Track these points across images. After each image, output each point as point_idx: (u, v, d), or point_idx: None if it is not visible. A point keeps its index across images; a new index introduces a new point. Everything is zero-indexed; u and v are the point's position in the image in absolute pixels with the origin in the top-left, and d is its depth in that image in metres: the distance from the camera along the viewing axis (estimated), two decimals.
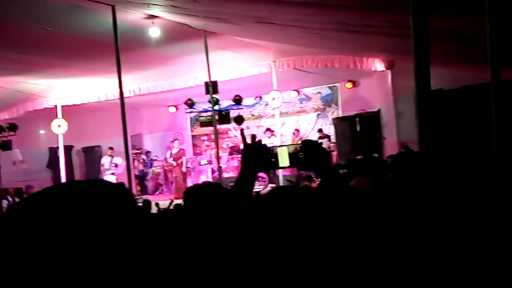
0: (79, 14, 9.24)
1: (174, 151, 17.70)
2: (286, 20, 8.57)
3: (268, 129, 17.51)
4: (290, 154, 2.19)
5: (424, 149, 3.61)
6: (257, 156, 2.29)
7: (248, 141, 2.24)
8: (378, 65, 13.20)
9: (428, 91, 3.62)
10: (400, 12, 6.20)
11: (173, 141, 18.51)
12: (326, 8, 7.03)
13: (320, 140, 17.01)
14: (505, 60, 5.78)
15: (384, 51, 12.04)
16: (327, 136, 17.17)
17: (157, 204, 10.96)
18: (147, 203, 9.63)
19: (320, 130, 17.70)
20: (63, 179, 16.50)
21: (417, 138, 10.80)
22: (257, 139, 2.27)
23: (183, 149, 17.76)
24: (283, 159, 2.21)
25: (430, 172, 3.59)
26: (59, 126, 16.35)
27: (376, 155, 13.86)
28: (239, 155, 14.41)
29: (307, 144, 2.21)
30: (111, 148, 17.57)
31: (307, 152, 2.20)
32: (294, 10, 7.47)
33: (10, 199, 14.91)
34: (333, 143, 17.06)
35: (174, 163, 17.75)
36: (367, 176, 7.96)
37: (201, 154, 19.37)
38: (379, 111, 15.83)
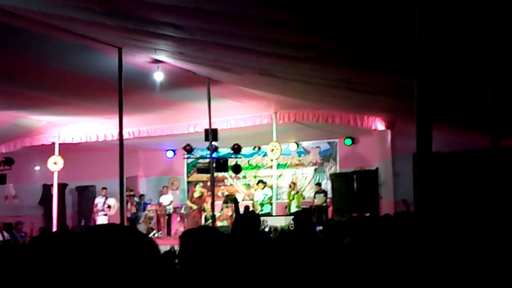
0: (85, 54, 9.30)
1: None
2: (289, 73, 8.63)
3: (260, 181, 17.43)
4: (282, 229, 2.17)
5: (422, 211, 3.55)
6: (247, 227, 2.27)
7: (241, 211, 2.24)
8: (379, 124, 13.23)
9: (430, 153, 3.59)
10: (403, 74, 6.26)
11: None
12: (329, 65, 7.08)
13: (316, 195, 16.96)
14: (505, 128, 5.81)
15: (385, 110, 12.11)
16: (324, 192, 17.09)
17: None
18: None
19: (318, 184, 17.63)
20: (55, 217, 16.31)
21: (413, 199, 10.75)
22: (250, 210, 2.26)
23: (204, 196, 17.63)
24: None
25: (426, 234, 3.55)
26: (55, 163, 16.28)
27: (368, 214, 13.74)
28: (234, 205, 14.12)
29: (298, 216, 2.20)
30: (104, 189, 17.44)
31: (297, 224, 2.19)
32: (298, 65, 7.52)
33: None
34: (330, 198, 16.97)
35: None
36: (359, 235, 7.89)
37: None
38: (377, 169, 15.80)
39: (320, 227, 14.67)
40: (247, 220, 2.10)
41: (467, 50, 5.04)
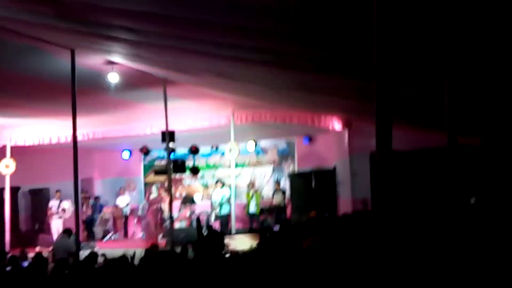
0: (37, 56, 9.05)
1: (152, 196, 17.33)
2: (245, 76, 8.58)
3: (218, 181, 17.37)
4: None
5: (382, 209, 3.55)
6: (211, 246, 2.23)
7: (204, 231, 2.21)
8: (336, 124, 13.32)
9: (390, 151, 3.59)
10: (360, 77, 6.29)
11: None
12: (286, 69, 7.06)
13: (275, 194, 16.98)
14: (461, 127, 5.89)
15: (342, 110, 12.18)
16: (283, 191, 17.13)
17: (103, 255, 10.62)
18: (94, 255, 9.30)
19: (277, 183, 17.64)
20: (7, 221, 15.87)
21: (370, 197, 10.88)
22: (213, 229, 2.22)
23: (161, 197, 17.36)
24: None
25: (385, 233, 3.55)
26: (7, 166, 15.85)
27: (327, 214, 13.83)
28: (192, 205, 14.12)
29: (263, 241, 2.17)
30: (58, 191, 17.06)
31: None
32: (254, 68, 7.48)
33: None
34: (288, 197, 17.01)
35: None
36: (317, 236, 7.91)
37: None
38: (334, 168, 15.91)
39: (277, 227, 14.77)
40: (211, 241, 2.05)
41: (423, 49, 5.07)
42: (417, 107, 8.52)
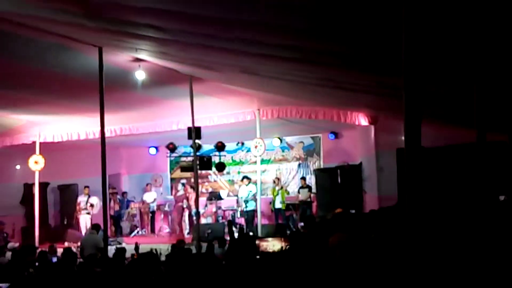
0: (66, 53, 9.18)
1: (179, 193, 17.44)
2: (271, 72, 8.57)
3: (245, 177, 17.39)
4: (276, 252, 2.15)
5: (410, 207, 3.53)
6: (242, 250, 2.25)
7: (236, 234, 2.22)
8: (362, 120, 13.24)
9: (418, 148, 3.57)
10: (387, 74, 6.24)
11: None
12: (312, 65, 7.04)
13: (301, 190, 16.96)
14: (490, 123, 5.83)
15: (368, 106, 12.10)
16: (309, 187, 17.08)
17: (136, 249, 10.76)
18: (122, 250, 9.42)
19: (303, 179, 17.61)
20: (37, 216, 16.13)
21: (397, 194, 10.79)
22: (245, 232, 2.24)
23: (187, 193, 17.46)
24: None
25: (413, 230, 3.53)
26: (36, 162, 16.10)
27: (354, 211, 13.80)
28: (218, 201, 14.25)
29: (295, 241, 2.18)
30: (87, 187, 17.29)
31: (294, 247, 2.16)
32: (280, 64, 7.47)
33: None
34: (314, 193, 16.97)
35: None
36: (345, 232, 7.89)
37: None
38: (360, 164, 15.83)
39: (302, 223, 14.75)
40: (243, 244, 2.07)
41: (453, 46, 5.02)
42: (446, 104, 8.43)
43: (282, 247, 1.98)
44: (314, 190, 17.06)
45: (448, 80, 6.40)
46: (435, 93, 7.00)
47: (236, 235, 13.14)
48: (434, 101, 7.73)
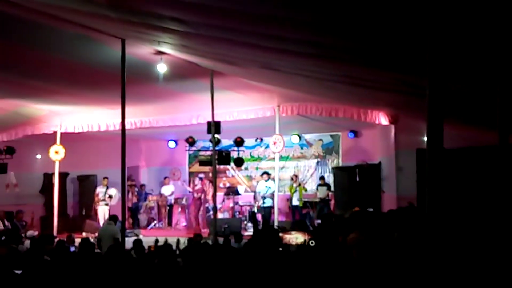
0: (89, 44, 9.23)
1: (197, 187, 17.47)
2: (292, 68, 8.55)
3: (265, 173, 17.38)
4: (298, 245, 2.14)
5: (430, 208, 3.49)
6: (265, 242, 2.24)
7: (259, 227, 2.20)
8: (382, 119, 13.14)
9: (441, 148, 3.53)
10: (408, 72, 6.19)
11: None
12: (333, 62, 7.00)
13: (319, 187, 16.91)
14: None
15: (389, 105, 12.01)
16: (327, 185, 17.02)
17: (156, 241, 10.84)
18: (139, 242, 9.48)
19: (322, 178, 17.56)
20: (56, 206, 16.29)
21: (416, 194, 10.69)
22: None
23: (202, 188, 17.49)
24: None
25: (435, 231, 3.49)
26: (57, 152, 16.25)
27: (371, 209, 13.73)
28: (236, 196, 14.26)
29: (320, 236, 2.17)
30: (106, 178, 17.42)
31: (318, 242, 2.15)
32: (301, 60, 7.44)
33: (0, 222, 14.66)
34: (332, 191, 16.92)
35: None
36: (364, 230, 7.85)
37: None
38: (379, 163, 15.74)
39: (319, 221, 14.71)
40: (266, 236, 2.06)
41: (478, 47, 4.96)
42: (468, 105, 8.34)
43: (305, 240, 1.97)
44: (332, 188, 17.00)
45: (471, 80, 6.32)
46: (458, 93, 6.92)
47: (260, 227, 13.17)
48: (457, 102, 7.65)
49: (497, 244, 5.02)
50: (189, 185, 18.89)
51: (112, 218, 12.85)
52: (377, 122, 13.49)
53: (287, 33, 5.86)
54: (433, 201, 3.41)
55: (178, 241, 11.17)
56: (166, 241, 10.96)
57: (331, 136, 18.61)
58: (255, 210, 17.35)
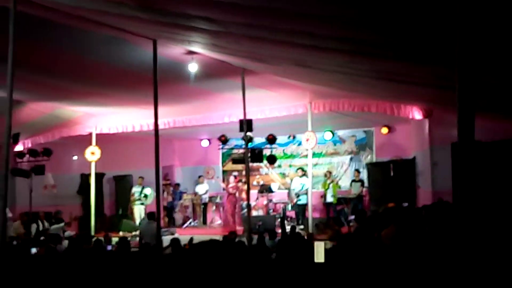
0: (121, 46, 9.38)
1: (231, 185, 17.56)
2: (323, 64, 8.52)
3: (300, 169, 17.34)
4: (326, 250, 2.15)
5: (462, 203, 3.45)
6: (292, 247, 2.27)
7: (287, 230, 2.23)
8: (416, 113, 12.99)
9: (472, 143, 3.48)
10: (441, 65, 6.11)
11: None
12: (365, 57, 6.96)
13: (353, 183, 16.81)
14: None
15: (422, 99, 11.88)
16: (361, 181, 16.91)
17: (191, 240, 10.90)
18: (176, 241, 9.58)
19: (357, 171, 17.44)
20: (93, 206, 16.57)
21: (452, 189, 10.58)
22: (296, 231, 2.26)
23: (236, 185, 17.54)
24: (319, 255, 2.19)
25: (465, 226, 3.45)
26: (93, 153, 16.53)
27: (406, 204, 13.60)
28: (269, 194, 14.28)
29: (344, 241, 2.18)
30: (141, 178, 17.65)
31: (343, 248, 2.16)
32: (332, 57, 7.41)
33: (40, 223, 14.96)
34: (366, 187, 16.80)
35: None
36: (399, 225, 7.81)
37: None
38: (414, 158, 15.57)
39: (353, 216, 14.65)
40: (292, 242, 2.09)
41: (508, 36, 4.87)
42: (500, 97, 8.20)
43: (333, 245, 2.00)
44: (366, 184, 16.88)
45: (504, 71, 6.22)
46: (490, 85, 6.81)
47: (288, 229, 13.19)
48: (490, 94, 7.53)
49: None
50: (223, 183, 18.99)
51: (151, 216, 12.99)
52: (410, 116, 13.34)
53: (318, 30, 5.85)
54: (464, 195, 3.36)
55: (191, 239, 10.98)
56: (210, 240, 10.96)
57: (365, 131, 18.47)
58: (289, 208, 17.35)
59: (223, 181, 19.47)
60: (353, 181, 17.16)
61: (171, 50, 9.79)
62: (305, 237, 11.29)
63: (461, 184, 3.35)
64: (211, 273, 2.10)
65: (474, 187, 3.41)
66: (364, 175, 17.44)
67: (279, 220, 16.68)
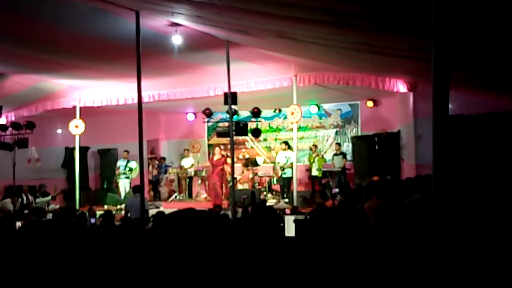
0: (103, 17, 9.24)
1: (216, 158, 17.50)
2: (308, 37, 8.47)
3: (285, 143, 17.35)
4: (296, 222, 2.17)
5: (439, 175, 3.47)
6: (262, 217, 2.28)
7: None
8: (400, 87, 13.01)
9: (446, 116, 3.49)
10: (423, 37, 6.09)
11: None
12: (348, 29, 6.93)
13: (335, 157, 16.87)
14: None
15: (406, 73, 11.88)
16: (343, 153, 16.98)
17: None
18: (162, 214, 9.57)
19: (338, 144, 17.52)
20: (77, 180, 16.51)
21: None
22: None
23: (224, 157, 17.50)
24: (289, 229, 2.22)
25: (442, 200, 3.48)
26: (77, 126, 16.41)
27: (389, 177, 13.68)
28: (255, 167, 14.28)
29: (316, 214, 2.17)
30: (126, 152, 17.59)
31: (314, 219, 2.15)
32: (316, 28, 7.37)
33: (24, 196, 14.90)
34: (350, 161, 16.88)
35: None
36: (381, 197, 7.87)
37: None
38: (398, 132, 15.64)
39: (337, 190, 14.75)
40: (262, 212, 2.08)
41: (489, 11, 4.86)
42: (482, 70, 8.22)
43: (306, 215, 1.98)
44: (349, 157, 16.96)
45: (484, 43, 6.21)
46: (470, 57, 6.82)
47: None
48: (470, 67, 7.54)
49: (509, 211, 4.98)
50: (208, 157, 18.98)
51: (137, 189, 12.96)
52: (395, 90, 13.36)
53: (300, 1, 5.80)
54: (439, 167, 3.38)
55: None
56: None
57: (350, 105, 18.51)
58: (274, 182, 17.41)
59: (209, 154, 19.47)
60: (334, 154, 17.23)
61: (155, 22, 9.67)
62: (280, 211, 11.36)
63: (435, 155, 3.37)
64: (184, 242, 2.10)
65: (451, 158, 3.42)
66: (349, 148, 17.51)
67: (264, 193, 16.77)
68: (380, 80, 13.19)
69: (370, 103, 17.69)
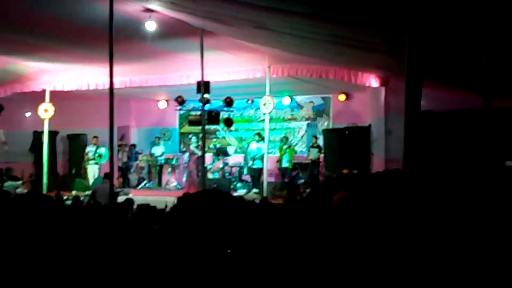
0: (76, 1, 9.10)
1: (193, 145, 17.33)
2: (282, 27, 8.48)
3: (258, 134, 17.34)
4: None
5: (408, 169, 3.52)
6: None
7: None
8: (373, 81, 13.12)
9: (418, 111, 3.54)
10: (395, 32, 6.14)
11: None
12: (322, 21, 6.94)
13: (311, 149, 16.93)
14: (497, 89, 5.75)
15: (379, 67, 11.98)
16: (319, 147, 17.04)
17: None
18: (130, 201, 9.53)
19: (314, 137, 17.56)
20: (45, 164, 16.29)
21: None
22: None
23: (199, 145, 17.29)
24: None
25: (410, 192, 3.52)
26: (46, 110, 16.19)
27: (356, 171, 13.75)
28: (225, 157, 14.30)
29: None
30: (96, 137, 17.41)
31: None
32: (291, 19, 7.37)
33: None
34: (324, 153, 16.98)
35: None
36: (348, 190, 7.93)
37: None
38: (369, 126, 15.75)
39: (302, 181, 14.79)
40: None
41: (462, 8, 4.92)
42: (454, 67, 8.32)
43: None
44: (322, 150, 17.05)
45: (456, 40, 6.29)
46: (443, 54, 6.90)
47: None
48: (442, 64, 7.63)
49: (479, 205, 5.07)
50: (180, 146, 18.89)
51: (107, 176, 12.81)
52: (367, 84, 13.46)
53: None
54: (409, 161, 3.42)
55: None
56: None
57: (322, 98, 18.59)
58: (245, 172, 17.42)
59: (180, 143, 19.36)
60: (311, 146, 17.29)
61: (128, 7, 9.56)
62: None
63: (406, 149, 3.41)
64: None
65: (421, 154, 3.47)
66: (320, 141, 17.61)
67: (234, 183, 16.77)
68: (352, 74, 13.26)
69: (342, 97, 17.80)
